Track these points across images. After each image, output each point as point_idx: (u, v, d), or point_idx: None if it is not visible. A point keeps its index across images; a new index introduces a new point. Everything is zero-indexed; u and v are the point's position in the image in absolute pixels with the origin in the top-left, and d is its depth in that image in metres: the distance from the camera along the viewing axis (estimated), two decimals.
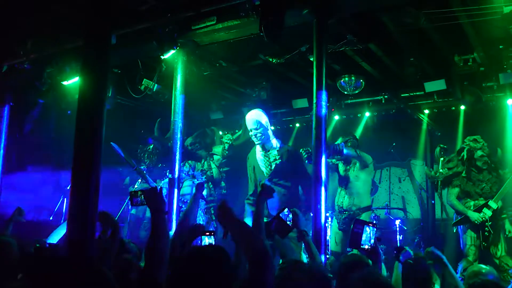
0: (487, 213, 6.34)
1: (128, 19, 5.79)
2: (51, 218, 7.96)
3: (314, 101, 4.95)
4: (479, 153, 6.56)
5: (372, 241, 3.23)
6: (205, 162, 7.95)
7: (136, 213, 8.24)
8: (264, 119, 6.43)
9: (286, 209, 3.67)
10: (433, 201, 8.84)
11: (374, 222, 6.43)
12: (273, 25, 5.00)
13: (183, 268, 2.39)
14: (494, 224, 6.35)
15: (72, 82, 6.88)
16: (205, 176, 7.73)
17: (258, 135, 6.40)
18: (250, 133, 6.50)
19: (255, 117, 6.39)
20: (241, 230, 2.49)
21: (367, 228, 3.23)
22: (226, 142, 8.20)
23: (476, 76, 7.33)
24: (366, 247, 3.21)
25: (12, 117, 8.02)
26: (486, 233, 6.31)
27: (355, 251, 4.31)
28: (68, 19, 5.74)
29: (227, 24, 5.61)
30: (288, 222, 3.59)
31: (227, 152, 8.11)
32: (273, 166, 6.46)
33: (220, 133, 9.14)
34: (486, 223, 6.33)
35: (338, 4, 5.10)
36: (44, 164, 9.42)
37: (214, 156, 8.03)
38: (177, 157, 6.00)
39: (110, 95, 7.68)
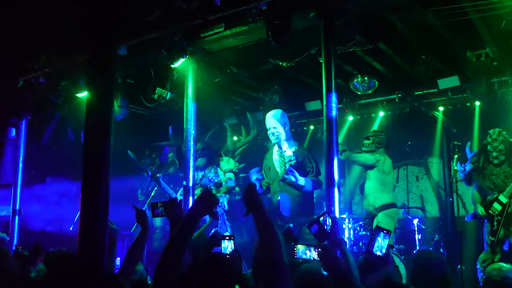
0: (497, 207, 6.25)
1: (136, 29, 5.86)
2: (71, 229, 8.07)
3: (324, 103, 4.96)
4: (489, 147, 6.50)
5: (384, 249, 3.14)
6: (212, 169, 7.94)
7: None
8: (283, 119, 6.53)
9: (326, 215, 3.65)
10: (451, 199, 8.74)
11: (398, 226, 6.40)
12: (280, 29, 5.02)
13: (199, 272, 2.44)
14: (508, 219, 6.22)
15: (86, 94, 6.97)
16: (213, 184, 7.75)
17: (276, 133, 6.50)
18: (269, 132, 6.59)
19: (274, 116, 6.49)
20: (265, 225, 2.49)
21: (381, 235, 3.16)
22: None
23: (489, 71, 7.23)
24: (378, 253, 3.14)
25: (30, 130, 8.17)
26: (494, 227, 6.22)
27: None
28: (78, 32, 5.84)
29: (235, 30, 5.65)
30: (326, 228, 3.55)
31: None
32: (287, 166, 6.50)
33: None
34: (495, 218, 6.24)
35: (344, 6, 5.09)
36: (63, 176, 9.55)
37: (227, 174, 7.98)
38: (191, 164, 6.04)
39: (119, 104, 7.77)
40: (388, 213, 6.87)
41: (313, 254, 3.31)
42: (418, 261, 3.51)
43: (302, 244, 3.38)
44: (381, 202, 6.93)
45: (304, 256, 3.34)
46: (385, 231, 3.12)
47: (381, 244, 3.09)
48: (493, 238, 6.17)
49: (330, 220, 3.55)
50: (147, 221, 3.49)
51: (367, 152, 7.21)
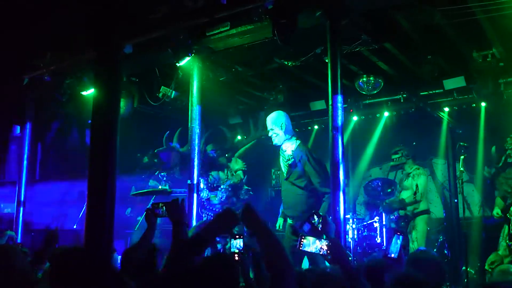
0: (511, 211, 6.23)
1: (142, 28, 5.85)
2: (75, 226, 8.08)
3: (330, 102, 4.95)
4: (503, 150, 6.51)
5: (398, 251, 3.13)
6: (228, 171, 7.96)
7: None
8: (279, 119, 6.47)
9: (313, 214, 3.62)
10: (456, 200, 8.69)
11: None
12: (286, 28, 5.00)
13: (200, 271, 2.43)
14: None
15: (91, 92, 6.98)
16: (229, 185, 7.77)
17: (274, 135, 6.49)
18: (269, 134, 6.58)
19: (270, 118, 6.48)
20: (266, 236, 2.49)
21: (397, 237, 3.15)
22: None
23: (496, 72, 7.20)
24: (392, 255, 3.12)
25: (35, 129, 8.17)
26: (511, 231, 6.19)
27: None
28: (83, 29, 5.84)
29: (241, 29, 5.63)
30: (318, 227, 3.52)
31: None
32: (287, 167, 6.52)
33: (239, 137, 9.19)
34: (511, 222, 6.21)
35: (350, 5, 5.08)
36: (67, 174, 9.56)
37: (238, 172, 8.01)
38: (195, 163, 6.04)
39: (135, 105, 7.81)
40: (424, 218, 7.38)
41: (318, 245, 3.28)
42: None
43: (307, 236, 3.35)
44: (419, 209, 7.41)
45: (307, 249, 3.30)
46: (399, 233, 3.10)
47: (397, 246, 3.07)
48: (509, 242, 6.16)
49: (317, 218, 3.51)
50: (155, 223, 3.46)
51: (396, 165, 7.85)
